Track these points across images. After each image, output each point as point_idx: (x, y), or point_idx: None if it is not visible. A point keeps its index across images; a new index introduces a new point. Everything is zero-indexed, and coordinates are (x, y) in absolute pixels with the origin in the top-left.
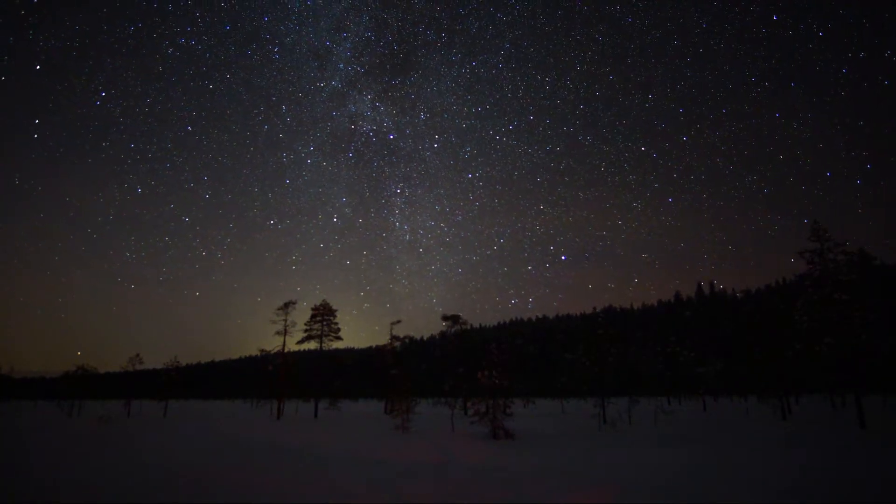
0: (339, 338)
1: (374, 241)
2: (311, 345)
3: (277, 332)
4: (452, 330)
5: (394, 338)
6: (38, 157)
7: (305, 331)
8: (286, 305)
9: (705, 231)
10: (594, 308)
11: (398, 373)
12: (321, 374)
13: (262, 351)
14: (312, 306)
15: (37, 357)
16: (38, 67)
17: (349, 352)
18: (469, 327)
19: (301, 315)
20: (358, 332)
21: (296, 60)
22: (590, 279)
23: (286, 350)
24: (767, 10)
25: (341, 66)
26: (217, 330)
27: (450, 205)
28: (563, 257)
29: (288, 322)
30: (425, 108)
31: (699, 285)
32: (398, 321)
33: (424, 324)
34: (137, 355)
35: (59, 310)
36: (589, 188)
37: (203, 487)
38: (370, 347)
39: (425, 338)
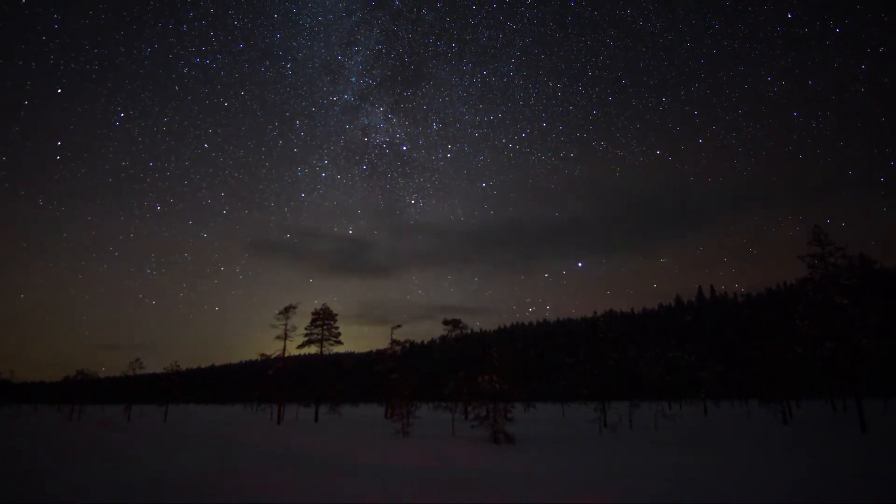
0: (339, 342)
1: (389, 252)
2: (312, 349)
3: (278, 337)
4: (453, 334)
5: (394, 342)
6: (61, 178)
7: (306, 335)
8: (286, 310)
9: (725, 234)
10: (594, 312)
11: (398, 377)
12: (322, 379)
13: (262, 355)
14: (312, 310)
15: (56, 372)
16: (59, 91)
17: (350, 356)
18: (469, 331)
19: (302, 320)
20: (376, 344)
21: (308, 75)
22: (607, 284)
23: (286, 354)
24: (782, 8)
25: (353, 79)
26: (234, 342)
27: (464, 214)
28: (579, 264)
29: (288, 326)
30: (437, 118)
31: (699, 289)
32: (398, 325)
33: (440, 333)
34: (137, 360)
35: (82, 327)
36: (604, 194)
37: (202, 491)
38: (371, 352)
39: (426, 342)
